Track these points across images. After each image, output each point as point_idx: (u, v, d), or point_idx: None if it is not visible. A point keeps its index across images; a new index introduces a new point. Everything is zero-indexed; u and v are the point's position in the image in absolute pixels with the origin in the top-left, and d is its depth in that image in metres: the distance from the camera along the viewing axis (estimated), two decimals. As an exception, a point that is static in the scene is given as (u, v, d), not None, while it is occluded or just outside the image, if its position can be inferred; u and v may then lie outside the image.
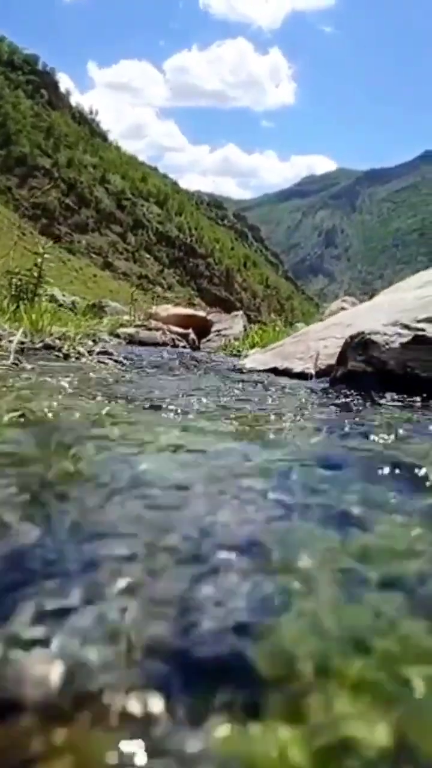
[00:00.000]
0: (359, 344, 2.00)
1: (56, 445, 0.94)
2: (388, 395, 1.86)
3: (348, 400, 1.79)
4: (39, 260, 5.86)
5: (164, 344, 7.42)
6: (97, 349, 2.93)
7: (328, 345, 3.71)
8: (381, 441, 1.13)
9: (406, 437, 1.18)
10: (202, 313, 9.92)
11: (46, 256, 5.97)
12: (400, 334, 1.97)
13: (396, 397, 1.85)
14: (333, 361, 3.52)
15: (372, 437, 1.16)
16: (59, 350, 2.69)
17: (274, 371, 3.65)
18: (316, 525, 0.64)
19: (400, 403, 1.78)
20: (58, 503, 0.67)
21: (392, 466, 0.90)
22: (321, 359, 3.49)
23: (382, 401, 1.79)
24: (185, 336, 8.11)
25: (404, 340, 1.94)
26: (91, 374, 1.99)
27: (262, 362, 3.91)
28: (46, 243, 6.67)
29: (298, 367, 3.58)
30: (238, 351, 7.07)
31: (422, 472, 0.87)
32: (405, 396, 1.86)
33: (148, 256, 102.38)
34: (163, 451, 0.90)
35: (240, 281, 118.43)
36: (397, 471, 0.89)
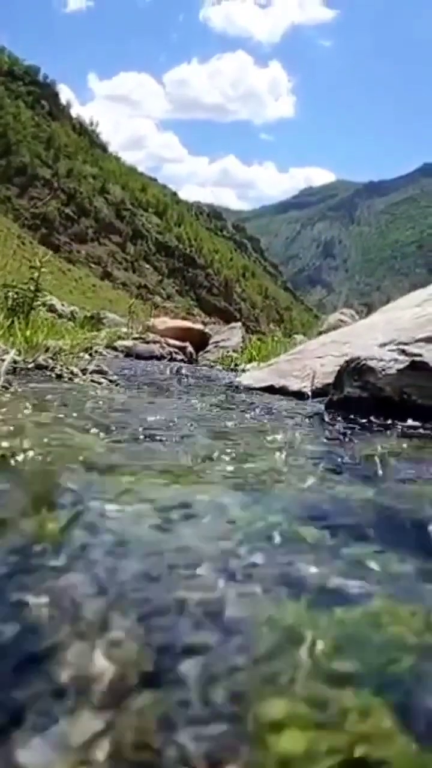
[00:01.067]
0: (355, 369, 1.97)
1: (17, 501, 0.88)
2: (385, 423, 1.82)
3: (344, 429, 1.76)
4: (36, 273, 5.83)
5: (162, 357, 7.38)
6: (91, 367, 2.89)
7: (325, 363, 3.68)
8: (378, 484, 1.09)
9: (405, 479, 1.14)
10: (199, 326, 9.91)
11: (43, 270, 5.93)
12: (396, 360, 1.94)
13: (393, 424, 1.81)
14: (330, 380, 3.48)
15: (368, 478, 1.12)
16: (51, 370, 2.65)
17: (271, 389, 3.62)
18: (295, 605, 0.59)
19: (397, 431, 1.74)
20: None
21: (388, 520, 0.86)
22: (318, 378, 3.46)
23: (379, 429, 1.76)
24: (183, 349, 8.09)
25: (401, 366, 1.90)
26: (81, 398, 1.95)
27: (259, 380, 3.87)
28: (44, 255, 6.65)
29: (294, 386, 3.55)
30: (236, 365, 7.04)
31: (423, 530, 0.83)
32: (402, 423, 1.83)
33: (147, 266, 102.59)
34: (142, 509, 0.84)
35: (239, 291, 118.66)
36: (394, 527, 0.85)
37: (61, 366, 2.72)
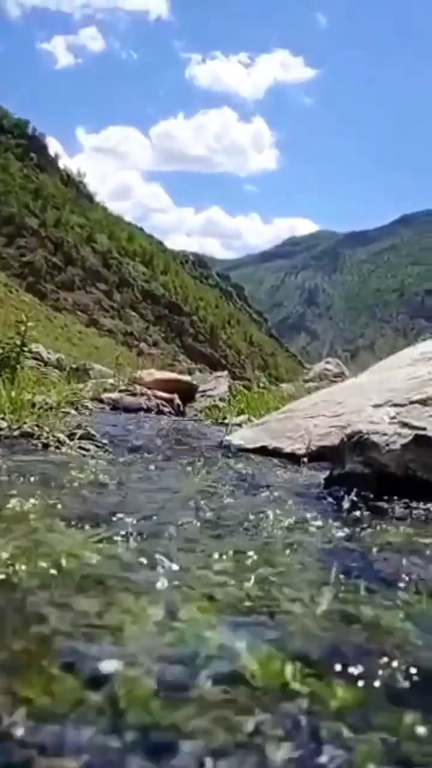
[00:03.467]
0: (357, 444, 1.89)
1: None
2: (391, 503, 1.73)
3: (350, 512, 1.66)
4: (22, 327, 5.76)
5: (149, 410, 7.28)
6: (79, 432, 2.79)
7: (318, 424, 3.61)
8: (405, 599, 0.98)
9: (423, 591, 1.03)
10: (186, 378, 9.83)
11: (30, 324, 5.87)
12: (399, 434, 1.87)
13: (399, 503, 1.72)
14: (324, 442, 3.40)
15: (392, 588, 1.01)
16: (38, 438, 2.54)
17: (263, 450, 3.53)
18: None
19: (406, 513, 1.66)
20: None
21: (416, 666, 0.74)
22: (312, 439, 3.38)
23: (387, 511, 1.67)
24: (170, 401, 7.99)
25: (405, 441, 1.83)
26: (68, 476, 1.84)
27: (251, 440, 3.78)
28: (30, 310, 6.60)
29: (287, 447, 3.47)
30: (224, 418, 6.93)
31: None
32: (408, 501, 1.74)
33: (133, 313, 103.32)
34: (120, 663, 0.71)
35: (224, 338, 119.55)
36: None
37: (48, 433, 2.61)
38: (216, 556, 1.13)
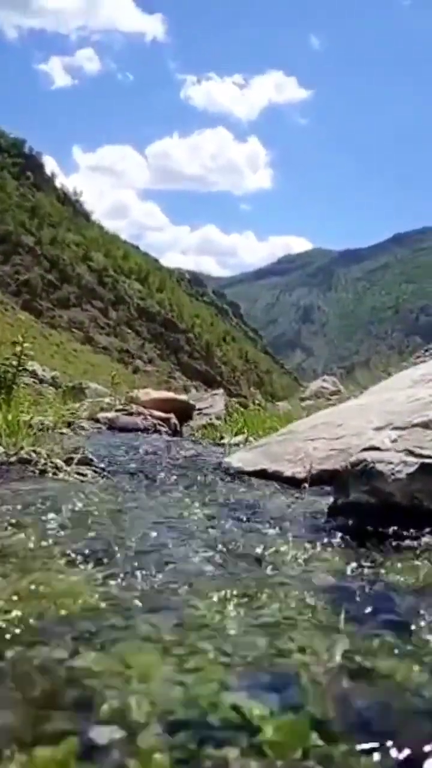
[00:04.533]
0: (362, 473, 1.85)
1: None
2: (399, 534, 1.69)
3: (355, 544, 1.62)
4: (18, 348, 5.71)
5: (146, 430, 7.23)
6: (77, 456, 2.74)
7: (318, 447, 3.57)
8: (409, 645, 0.93)
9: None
10: (183, 397, 9.79)
11: (26, 344, 5.82)
12: (405, 462, 1.83)
13: (406, 535, 1.68)
14: (325, 465, 3.36)
15: (398, 636, 0.96)
16: (35, 465, 2.50)
17: (263, 474, 3.49)
18: None
19: (412, 543, 1.61)
20: None
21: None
22: (313, 462, 3.33)
23: (394, 542, 1.62)
24: (167, 420, 7.94)
25: (411, 469, 1.79)
26: (65, 505, 1.79)
27: (250, 463, 3.74)
28: (26, 330, 6.56)
29: (287, 471, 3.42)
30: (221, 437, 6.88)
31: None
32: (415, 532, 1.70)
33: (128, 330, 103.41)
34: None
35: (220, 355, 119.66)
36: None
37: (45, 459, 2.57)
38: (223, 597, 1.08)
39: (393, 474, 1.79)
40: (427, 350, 10.62)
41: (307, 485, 2.81)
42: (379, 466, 1.81)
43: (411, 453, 1.87)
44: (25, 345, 5.79)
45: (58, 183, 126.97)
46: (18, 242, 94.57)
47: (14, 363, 5.64)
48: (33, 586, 1.06)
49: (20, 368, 5.65)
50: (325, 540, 1.65)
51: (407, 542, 1.63)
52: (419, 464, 1.80)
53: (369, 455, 1.89)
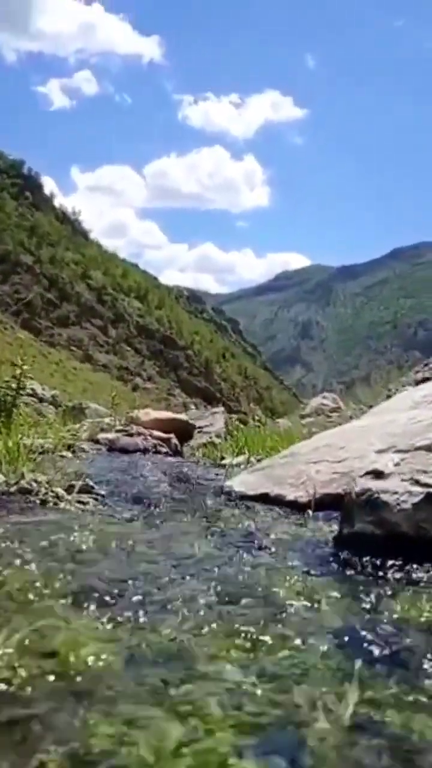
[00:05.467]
0: (367, 503, 1.82)
1: None
2: (406, 566, 1.66)
3: (362, 578, 1.59)
4: (18, 371, 5.69)
5: (146, 450, 7.19)
6: (78, 484, 2.71)
7: (321, 470, 3.55)
8: (423, 695, 0.90)
9: None
10: (183, 417, 9.74)
11: (25, 367, 5.80)
12: (411, 492, 1.80)
13: (413, 567, 1.65)
14: (328, 489, 3.33)
15: (411, 684, 0.93)
16: (36, 495, 2.47)
17: (266, 498, 3.46)
18: None
19: (420, 576, 1.58)
20: None
21: None
22: (317, 487, 3.30)
23: (401, 575, 1.59)
24: (167, 441, 7.91)
25: (416, 499, 1.76)
26: (64, 541, 1.76)
27: (252, 486, 3.71)
28: (26, 349, 6.55)
29: (290, 495, 3.40)
30: (222, 458, 6.84)
31: None
32: (421, 564, 1.67)
33: (128, 348, 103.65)
34: None
35: (219, 372, 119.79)
36: None
37: (46, 488, 2.54)
38: (230, 644, 1.05)
39: (398, 504, 1.77)
40: (426, 364, 10.61)
41: (311, 512, 2.78)
42: (384, 497, 1.79)
43: (417, 482, 1.85)
44: (25, 367, 5.76)
45: (56, 203, 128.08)
46: (17, 261, 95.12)
47: (14, 386, 5.62)
48: (34, 636, 1.02)
49: (20, 391, 5.63)
50: (332, 574, 1.62)
51: (416, 576, 1.60)
52: (425, 494, 1.77)
53: (374, 485, 1.87)
